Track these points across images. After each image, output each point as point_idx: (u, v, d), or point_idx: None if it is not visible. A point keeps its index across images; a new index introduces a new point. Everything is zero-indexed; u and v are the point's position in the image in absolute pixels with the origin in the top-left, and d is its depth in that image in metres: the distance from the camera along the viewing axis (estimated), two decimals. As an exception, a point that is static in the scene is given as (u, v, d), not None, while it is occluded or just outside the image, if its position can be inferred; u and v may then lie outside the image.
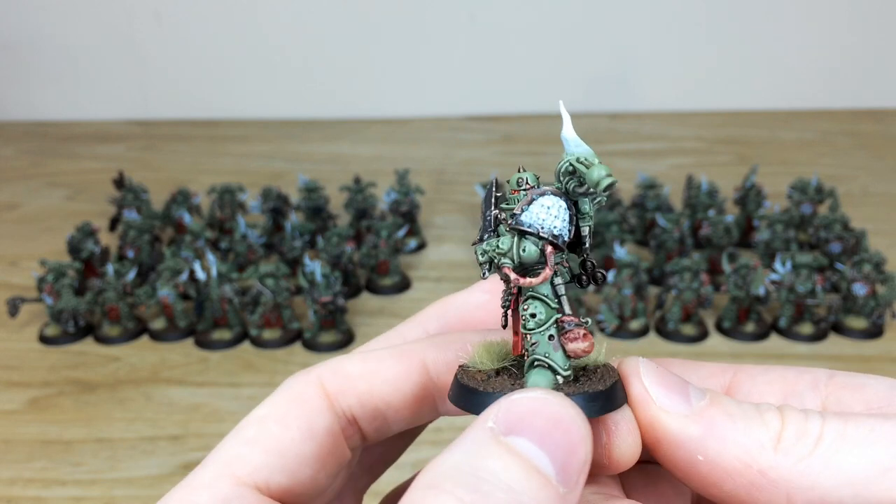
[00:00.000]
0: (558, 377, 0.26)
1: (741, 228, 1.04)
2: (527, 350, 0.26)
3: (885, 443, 0.23)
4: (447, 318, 0.33)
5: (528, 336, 0.26)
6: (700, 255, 0.95)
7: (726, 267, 0.88)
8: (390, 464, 0.34)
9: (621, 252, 0.90)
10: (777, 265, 0.87)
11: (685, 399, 0.26)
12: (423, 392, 0.29)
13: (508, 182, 0.27)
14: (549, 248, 0.25)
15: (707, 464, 0.25)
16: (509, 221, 0.26)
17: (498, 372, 0.27)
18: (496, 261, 0.26)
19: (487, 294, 0.33)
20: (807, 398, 0.28)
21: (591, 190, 0.25)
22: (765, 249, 0.96)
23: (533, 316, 0.26)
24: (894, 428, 0.23)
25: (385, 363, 0.29)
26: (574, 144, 0.26)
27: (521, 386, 0.26)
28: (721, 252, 0.95)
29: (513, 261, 0.25)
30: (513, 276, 0.25)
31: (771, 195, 1.10)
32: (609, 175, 0.25)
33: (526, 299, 0.26)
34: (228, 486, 0.26)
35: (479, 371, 0.27)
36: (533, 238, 0.25)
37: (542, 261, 0.26)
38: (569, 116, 0.26)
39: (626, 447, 0.26)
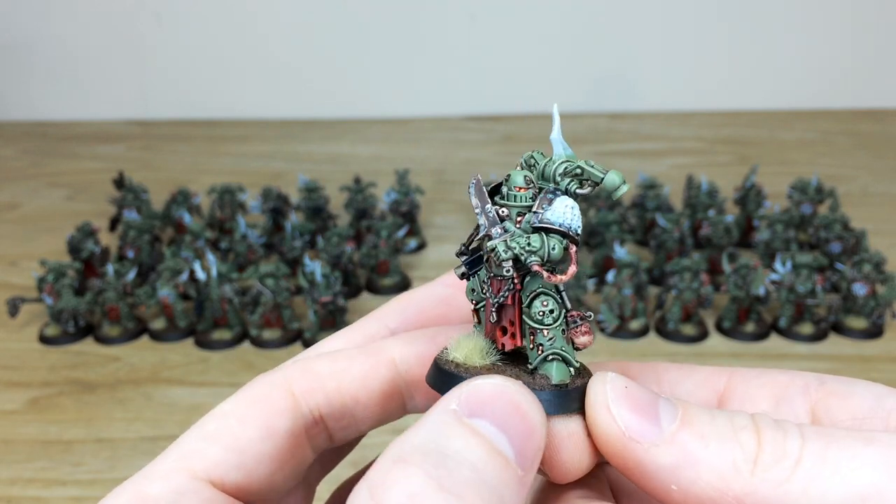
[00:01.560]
0: (571, 369, 0.27)
1: (741, 228, 1.04)
2: (539, 345, 0.27)
3: (866, 469, 0.23)
4: (408, 313, 0.33)
5: (545, 331, 0.27)
6: (700, 255, 0.95)
7: (726, 267, 0.88)
8: (343, 457, 0.34)
9: (621, 252, 0.90)
10: (777, 265, 0.87)
11: (655, 422, 0.25)
12: (392, 388, 0.30)
13: (507, 180, 0.27)
14: (573, 247, 0.26)
15: (681, 492, 0.24)
16: (533, 220, 0.26)
17: (487, 369, 0.27)
18: (524, 258, 0.26)
19: (449, 288, 0.33)
20: (797, 403, 0.27)
21: (591, 192, 0.26)
22: (765, 249, 0.96)
23: (551, 312, 0.27)
24: (876, 453, 0.23)
25: (354, 361, 0.30)
26: (564, 147, 0.27)
27: (532, 377, 0.27)
28: (721, 252, 0.95)
29: (542, 258, 0.26)
30: (544, 273, 0.26)
31: (771, 195, 1.10)
32: (625, 182, 0.26)
33: (537, 295, 0.27)
34: (183, 478, 0.26)
35: (466, 366, 0.27)
36: (557, 236, 0.26)
37: (566, 258, 0.26)
38: (559, 119, 0.27)
39: (570, 465, 0.26)
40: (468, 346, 0.27)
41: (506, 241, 0.26)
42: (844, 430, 0.24)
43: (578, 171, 0.26)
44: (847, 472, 0.23)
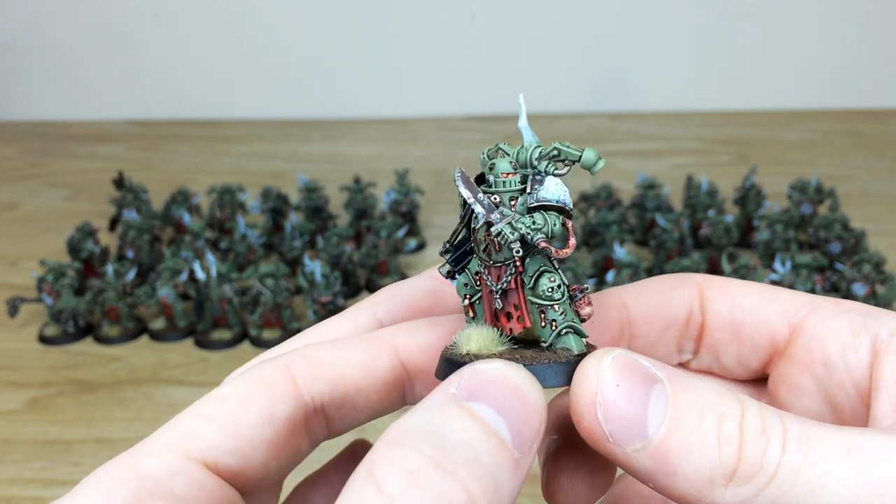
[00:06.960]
0: (584, 339, 0.28)
1: (741, 228, 1.04)
2: (552, 320, 0.27)
3: (833, 486, 0.23)
4: (395, 302, 0.33)
5: (555, 306, 0.27)
6: (700, 255, 0.95)
7: (726, 267, 0.88)
8: (309, 452, 0.34)
9: (621, 252, 0.90)
10: (777, 265, 0.87)
11: (642, 426, 0.24)
12: (394, 376, 0.30)
13: (491, 169, 0.28)
14: (569, 221, 0.27)
15: (656, 489, 0.25)
16: (530, 200, 0.27)
17: (503, 355, 0.27)
18: (530, 237, 0.26)
19: (435, 281, 0.33)
20: (862, 354, 0.28)
21: (568, 171, 0.27)
22: (765, 249, 0.96)
23: (559, 287, 0.27)
24: (850, 468, 0.23)
25: (356, 348, 0.29)
26: (532, 133, 0.28)
27: (553, 354, 0.27)
28: (721, 252, 0.95)
29: (547, 235, 0.26)
30: (552, 248, 0.27)
31: (771, 195, 1.10)
32: (601, 158, 0.27)
33: (542, 274, 0.27)
34: (178, 458, 0.25)
35: (483, 356, 0.27)
36: (554, 213, 0.27)
37: (564, 232, 0.27)
38: (525, 108, 0.29)
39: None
40: (480, 337, 0.28)
41: (510, 222, 0.26)
42: (832, 434, 0.24)
43: (555, 152, 0.27)
44: (815, 488, 0.23)
